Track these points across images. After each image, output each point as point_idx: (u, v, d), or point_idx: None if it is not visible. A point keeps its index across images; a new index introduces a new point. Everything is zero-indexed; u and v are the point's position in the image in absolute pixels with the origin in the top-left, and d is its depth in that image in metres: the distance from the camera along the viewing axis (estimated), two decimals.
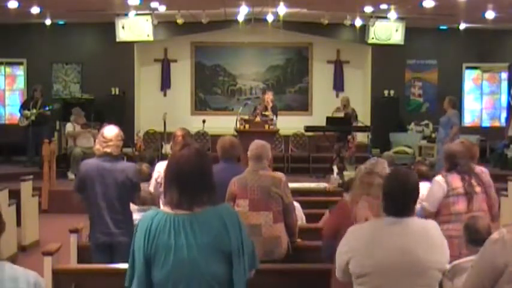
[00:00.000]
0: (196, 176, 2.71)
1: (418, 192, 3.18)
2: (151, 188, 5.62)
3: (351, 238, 3.17)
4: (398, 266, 3.02)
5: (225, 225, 2.68)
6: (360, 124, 12.54)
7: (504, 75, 15.42)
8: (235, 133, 10.60)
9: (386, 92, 14.72)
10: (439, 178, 4.92)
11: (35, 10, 11.71)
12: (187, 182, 2.70)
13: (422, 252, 3.04)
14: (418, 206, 4.99)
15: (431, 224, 3.22)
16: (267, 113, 11.73)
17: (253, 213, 4.67)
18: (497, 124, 15.40)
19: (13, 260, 7.39)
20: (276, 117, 11.97)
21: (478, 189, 4.78)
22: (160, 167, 5.45)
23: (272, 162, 5.07)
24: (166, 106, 14.22)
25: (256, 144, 4.91)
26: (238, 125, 11.12)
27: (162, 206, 2.87)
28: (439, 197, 4.82)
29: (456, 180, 4.77)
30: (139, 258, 2.68)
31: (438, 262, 3.10)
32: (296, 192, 6.16)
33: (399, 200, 3.09)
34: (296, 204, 5.17)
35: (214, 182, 2.80)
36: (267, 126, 11.09)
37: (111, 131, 4.98)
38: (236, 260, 2.67)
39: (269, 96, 12.43)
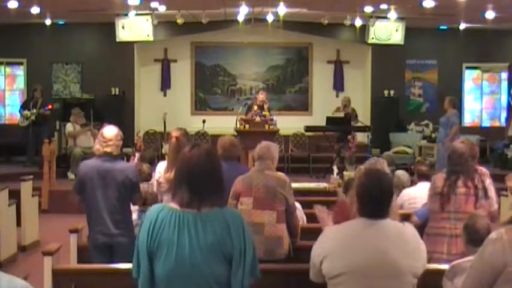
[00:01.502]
0: (207, 177, 2.73)
1: (392, 194, 3.12)
2: (154, 189, 5.61)
3: (325, 239, 3.14)
4: (371, 267, 2.96)
5: (229, 228, 2.69)
6: (360, 124, 12.53)
7: (504, 75, 15.43)
8: (235, 133, 10.60)
9: (386, 92, 14.72)
10: (432, 177, 4.95)
11: (35, 10, 11.70)
12: (197, 183, 2.71)
13: (397, 255, 2.98)
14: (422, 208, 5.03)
15: (407, 228, 3.14)
16: (264, 113, 11.70)
17: (257, 212, 4.66)
18: (497, 124, 15.41)
19: (13, 260, 7.40)
20: None
21: (461, 190, 4.61)
22: (161, 167, 5.45)
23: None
24: (166, 106, 14.23)
25: (260, 145, 4.93)
26: (238, 125, 11.12)
27: None
28: (428, 196, 4.83)
29: (440, 180, 4.72)
30: (143, 251, 2.70)
31: (412, 266, 3.03)
32: (296, 192, 6.13)
33: (373, 202, 3.04)
34: (297, 205, 5.17)
35: (224, 182, 2.81)
36: (267, 126, 11.08)
37: (110, 130, 4.97)
38: (236, 264, 2.68)
39: (262, 96, 12.09)
